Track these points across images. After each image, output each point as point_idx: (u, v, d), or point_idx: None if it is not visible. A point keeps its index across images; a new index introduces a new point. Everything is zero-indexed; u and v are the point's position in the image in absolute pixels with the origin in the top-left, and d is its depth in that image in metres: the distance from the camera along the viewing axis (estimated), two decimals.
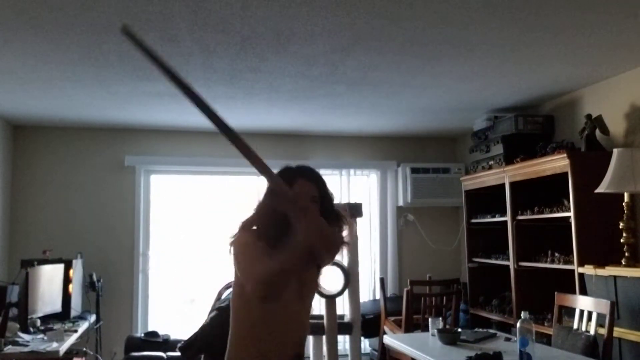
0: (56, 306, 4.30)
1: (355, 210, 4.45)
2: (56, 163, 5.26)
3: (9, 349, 3.35)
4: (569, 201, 3.67)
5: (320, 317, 4.42)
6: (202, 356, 3.35)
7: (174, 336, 4.71)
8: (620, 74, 3.79)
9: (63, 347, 3.52)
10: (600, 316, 3.00)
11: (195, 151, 5.53)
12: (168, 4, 2.56)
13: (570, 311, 3.30)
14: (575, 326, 3.16)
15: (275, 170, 1.74)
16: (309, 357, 4.70)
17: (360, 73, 3.68)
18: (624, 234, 3.35)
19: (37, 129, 5.22)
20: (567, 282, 3.64)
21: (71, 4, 2.55)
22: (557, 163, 3.77)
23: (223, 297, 3.84)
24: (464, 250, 5.23)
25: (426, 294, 4.58)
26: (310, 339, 4.61)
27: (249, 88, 4.01)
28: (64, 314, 4.35)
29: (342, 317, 4.47)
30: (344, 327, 4.33)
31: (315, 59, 3.38)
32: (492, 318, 4.62)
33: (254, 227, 1.76)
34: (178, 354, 3.43)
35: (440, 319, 3.58)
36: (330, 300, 4.28)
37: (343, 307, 4.62)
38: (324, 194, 1.78)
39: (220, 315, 3.40)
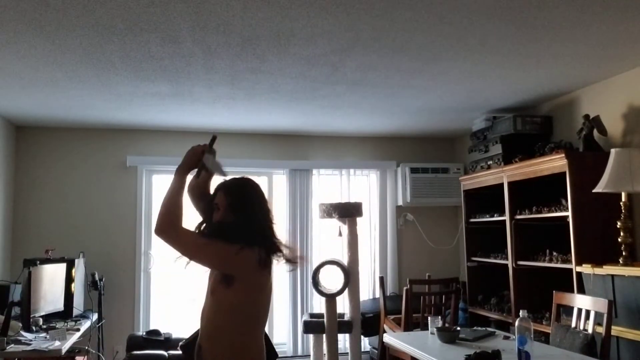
0: (58, 305, 4.32)
1: (355, 209, 4.49)
2: (58, 163, 5.29)
3: (12, 347, 3.37)
4: (567, 201, 3.70)
5: (321, 315, 4.46)
6: None
7: (175, 334, 4.73)
8: (617, 74, 3.82)
9: (65, 346, 3.53)
10: (598, 315, 3.03)
11: None
12: (169, 5, 2.59)
13: (569, 310, 3.32)
14: (573, 325, 3.18)
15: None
16: (309, 356, 4.74)
17: (360, 74, 3.71)
18: (622, 233, 3.38)
19: (39, 129, 5.25)
20: (565, 281, 3.67)
21: (73, 5, 2.57)
22: (555, 163, 3.79)
23: None
24: (463, 250, 5.26)
25: (425, 292, 4.59)
26: (310, 338, 4.65)
27: (250, 89, 4.03)
28: (66, 313, 4.36)
29: (342, 315, 4.50)
30: (344, 326, 4.36)
31: (316, 59, 3.40)
32: (490, 316, 4.65)
33: None
34: (179, 352, 3.45)
35: (440, 317, 3.60)
36: (330, 298, 4.31)
37: (343, 305, 4.65)
38: (233, 197, 2.18)
39: None
